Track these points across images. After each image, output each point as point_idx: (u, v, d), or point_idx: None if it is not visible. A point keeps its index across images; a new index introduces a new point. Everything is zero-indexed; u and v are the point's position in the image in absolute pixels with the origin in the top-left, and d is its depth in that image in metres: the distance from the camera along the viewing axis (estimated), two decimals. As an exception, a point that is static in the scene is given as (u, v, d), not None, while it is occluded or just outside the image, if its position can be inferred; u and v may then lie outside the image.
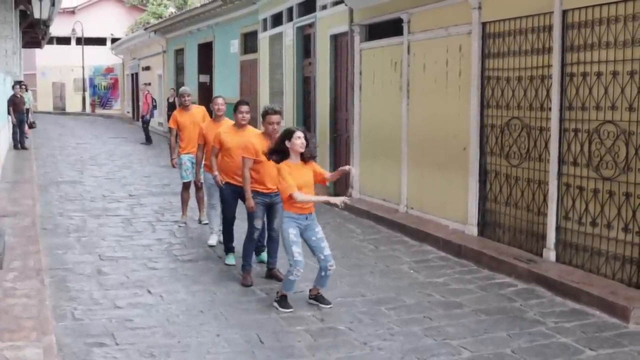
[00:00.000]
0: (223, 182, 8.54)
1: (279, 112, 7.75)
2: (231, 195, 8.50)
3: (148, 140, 25.00)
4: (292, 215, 6.90)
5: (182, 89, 11.50)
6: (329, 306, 6.99)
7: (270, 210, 7.91)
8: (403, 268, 8.60)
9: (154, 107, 25.80)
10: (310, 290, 7.18)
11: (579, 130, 7.83)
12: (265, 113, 7.72)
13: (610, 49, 7.42)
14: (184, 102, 11.04)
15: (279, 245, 8.02)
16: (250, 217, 7.86)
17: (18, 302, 6.45)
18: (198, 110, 11.13)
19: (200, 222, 10.96)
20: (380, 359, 5.73)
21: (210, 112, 10.30)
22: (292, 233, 6.87)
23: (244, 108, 8.63)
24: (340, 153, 13.76)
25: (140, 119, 27.00)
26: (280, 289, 7.05)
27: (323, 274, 7.00)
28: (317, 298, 7.09)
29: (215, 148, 8.67)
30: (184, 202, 11.14)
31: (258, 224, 7.85)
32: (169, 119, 24.96)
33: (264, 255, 8.36)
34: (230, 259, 8.62)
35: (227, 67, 21.65)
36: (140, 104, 27.72)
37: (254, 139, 7.84)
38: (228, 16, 20.66)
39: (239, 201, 8.46)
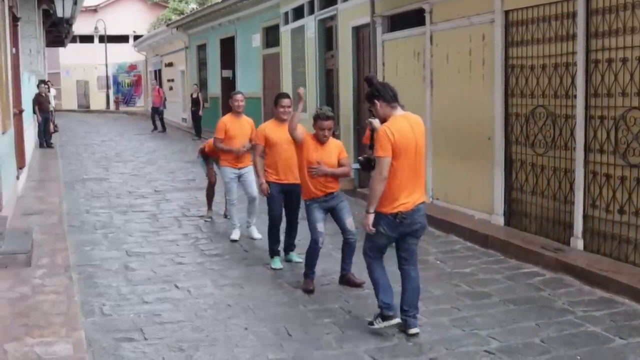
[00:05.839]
0: (268, 191, 8.01)
1: (331, 118, 7.11)
2: (277, 195, 8.00)
3: (155, 128, 28.57)
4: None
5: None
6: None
7: (333, 212, 7.35)
8: (429, 259, 8.58)
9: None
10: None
11: (605, 117, 7.75)
12: (317, 117, 7.10)
13: (636, 34, 7.33)
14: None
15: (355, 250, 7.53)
16: (311, 222, 7.24)
17: (47, 299, 6.50)
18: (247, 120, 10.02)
19: (226, 216, 10.96)
20: (409, 350, 5.72)
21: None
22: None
23: (286, 102, 8.14)
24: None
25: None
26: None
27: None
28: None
29: (259, 145, 8.12)
30: (209, 198, 11.19)
31: (320, 227, 7.19)
32: (192, 115, 25.36)
33: (293, 255, 8.33)
34: (277, 263, 8.10)
35: (249, 62, 21.69)
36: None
37: (308, 138, 7.24)
38: (249, 11, 20.71)
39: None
